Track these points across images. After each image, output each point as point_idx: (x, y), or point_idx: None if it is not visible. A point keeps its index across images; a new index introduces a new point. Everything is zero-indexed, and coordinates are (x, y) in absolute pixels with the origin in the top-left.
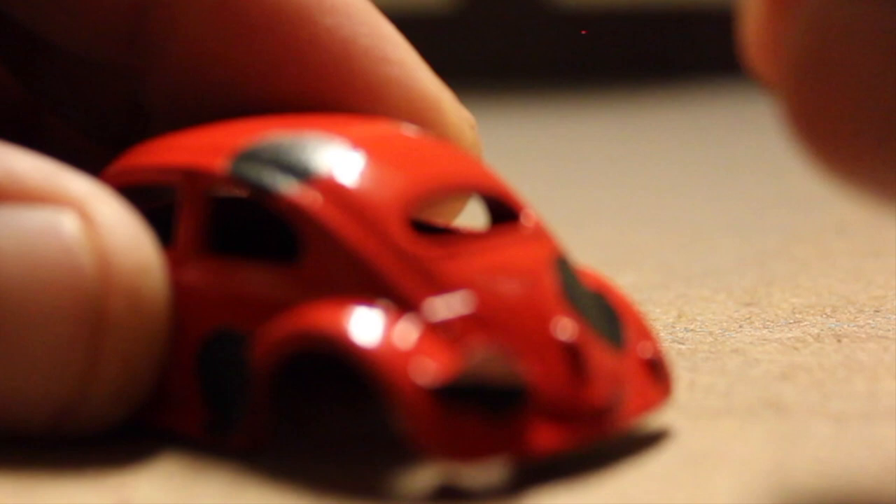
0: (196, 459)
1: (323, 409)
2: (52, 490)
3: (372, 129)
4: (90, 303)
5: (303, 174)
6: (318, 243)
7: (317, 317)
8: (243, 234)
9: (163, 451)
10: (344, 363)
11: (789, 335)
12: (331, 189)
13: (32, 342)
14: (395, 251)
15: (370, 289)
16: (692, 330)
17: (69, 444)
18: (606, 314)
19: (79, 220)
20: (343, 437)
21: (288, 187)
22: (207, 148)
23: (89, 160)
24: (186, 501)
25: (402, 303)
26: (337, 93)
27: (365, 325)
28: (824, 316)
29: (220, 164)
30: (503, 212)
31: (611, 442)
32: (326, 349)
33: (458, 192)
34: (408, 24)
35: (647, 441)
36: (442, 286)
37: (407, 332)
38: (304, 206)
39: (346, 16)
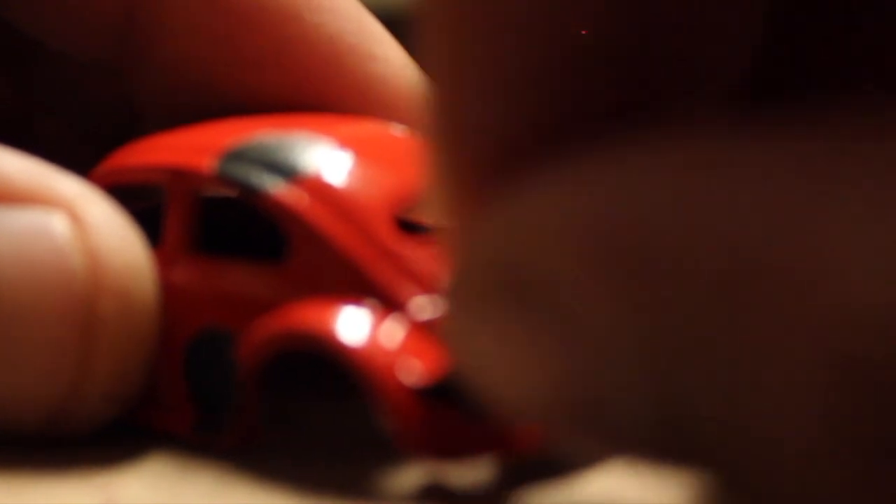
0: (183, 459)
1: (308, 408)
2: (38, 489)
3: (359, 129)
4: (80, 303)
5: (290, 174)
6: (304, 242)
7: (303, 316)
8: (228, 234)
9: (150, 451)
10: (330, 362)
11: None
12: (317, 188)
13: (24, 343)
14: (382, 250)
15: (356, 288)
16: None
17: (56, 443)
18: None
19: (69, 221)
20: (329, 436)
21: (275, 187)
22: (195, 148)
23: (79, 161)
24: (173, 501)
25: (388, 302)
26: (324, 90)
27: (351, 324)
28: None
29: (207, 163)
30: None
31: None
32: (313, 348)
33: None
34: (406, 24)
35: None
36: (428, 285)
37: (393, 332)
38: (290, 206)
39: (332, 13)
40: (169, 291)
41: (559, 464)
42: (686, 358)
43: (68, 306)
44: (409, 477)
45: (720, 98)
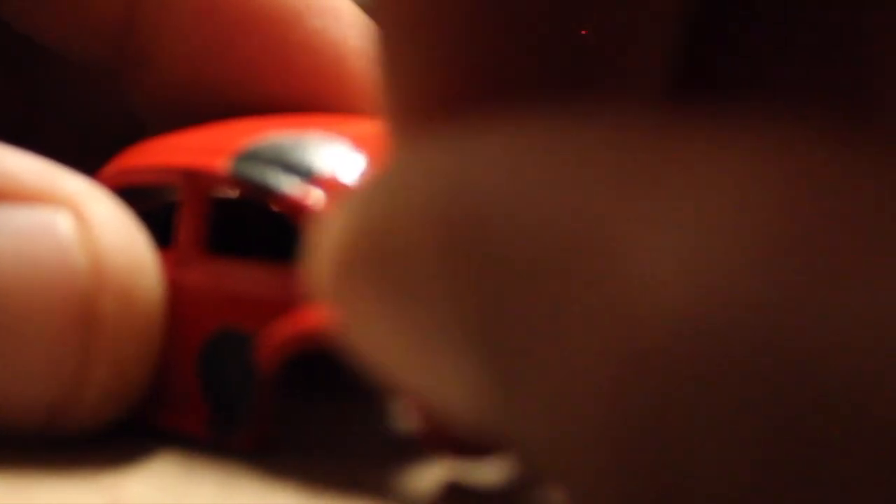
0: (190, 459)
1: (317, 408)
2: (44, 489)
3: (371, 129)
4: (81, 300)
5: (305, 173)
6: None
7: (324, 316)
8: (228, 235)
9: (156, 451)
10: (349, 363)
11: None
12: (334, 188)
13: (26, 339)
14: None
15: None
16: None
17: (62, 443)
18: None
19: (73, 220)
20: (338, 436)
21: (291, 186)
22: (207, 148)
23: (84, 162)
24: (179, 501)
25: None
26: (327, 94)
27: None
28: None
29: (221, 164)
30: None
31: None
32: (334, 349)
33: None
34: None
35: None
36: None
37: None
38: (307, 206)
39: (335, 18)
40: (181, 292)
41: None
42: (502, 330)
43: (69, 303)
44: (421, 477)
45: (646, 91)
